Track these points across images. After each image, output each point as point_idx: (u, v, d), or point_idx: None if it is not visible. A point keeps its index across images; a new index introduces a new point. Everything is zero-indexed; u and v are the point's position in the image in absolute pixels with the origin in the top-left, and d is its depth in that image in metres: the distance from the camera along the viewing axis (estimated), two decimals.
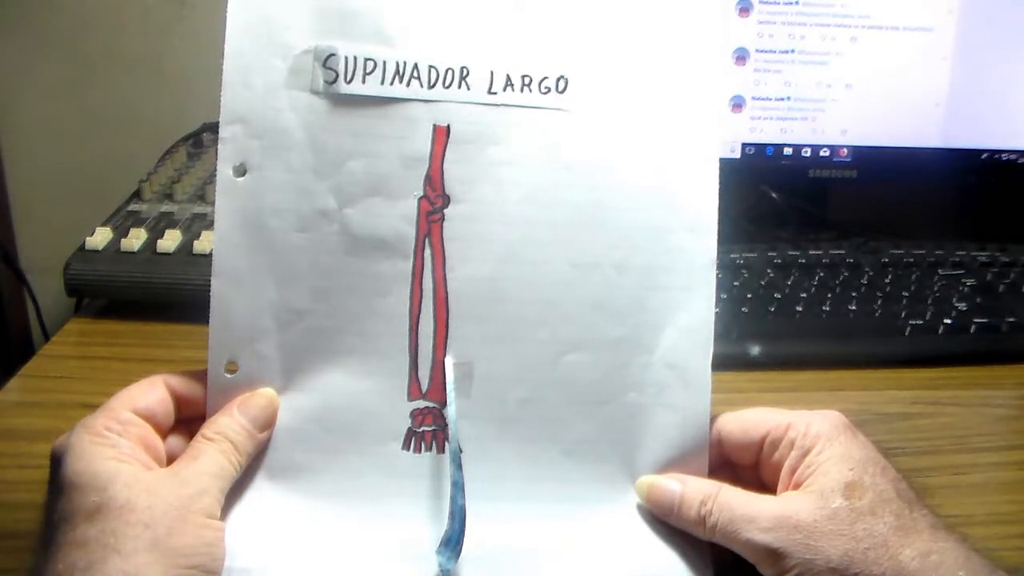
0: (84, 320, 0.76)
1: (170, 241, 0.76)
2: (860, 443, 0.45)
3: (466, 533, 0.44)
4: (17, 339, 1.07)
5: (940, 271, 0.81)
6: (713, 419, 0.48)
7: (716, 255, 0.49)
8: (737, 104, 0.89)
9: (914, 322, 0.74)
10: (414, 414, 0.48)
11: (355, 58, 0.47)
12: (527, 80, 0.48)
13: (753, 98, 0.89)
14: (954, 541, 0.42)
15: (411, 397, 0.48)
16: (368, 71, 0.47)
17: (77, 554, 0.38)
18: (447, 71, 0.48)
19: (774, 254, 0.82)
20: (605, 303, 0.48)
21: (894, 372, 0.71)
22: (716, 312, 0.49)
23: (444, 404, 0.47)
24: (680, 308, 0.48)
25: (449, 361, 0.48)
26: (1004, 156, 0.92)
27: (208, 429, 0.45)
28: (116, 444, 0.42)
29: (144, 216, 0.81)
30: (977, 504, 0.57)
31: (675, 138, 0.49)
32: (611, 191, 0.48)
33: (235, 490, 0.45)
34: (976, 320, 0.75)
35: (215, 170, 0.47)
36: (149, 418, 0.44)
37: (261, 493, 0.46)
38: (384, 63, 0.47)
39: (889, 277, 0.80)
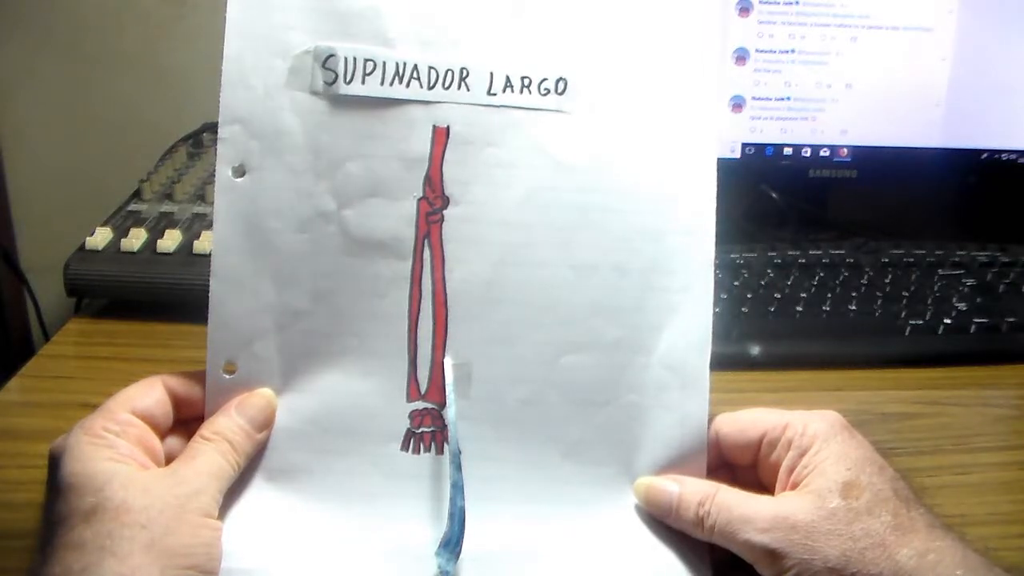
0: (84, 320, 0.76)
1: (170, 241, 0.76)
2: (857, 443, 0.45)
3: (465, 534, 0.44)
4: (17, 339, 1.07)
5: (940, 271, 0.81)
6: (711, 420, 0.48)
7: (714, 256, 0.49)
8: (737, 104, 0.89)
9: (914, 322, 0.74)
10: (413, 415, 0.48)
11: (355, 59, 0.47)
12: (526, 81, 0.48)
13: (753, 98, 0.89)
14: (951, 540, 0.42)
15: (410, 398, 0.48)
16: (368, 72, 0.47)
17: (73, 556, 0.38)
18: (447, 72, 0.48)
19: (774, 254, 0.82)
20: (604, 305, 0.48)
21: (894, 372, 0.71)
22: (716, 312, 0.49)
23: (443, 405, 0.47)
24: (679, 309, 0.48)
25: (448, 362, 0.48)
26: (1004, 156, 0.92)
27: (206, 429, 0.45)
28: (114, 445, 0.42)
29: (144, 216, 0.81)
30: (977, 504, 0.57)
31: (674, 140, 0.49)
32: (610, 193, 0.48)
33: (233, 491, 0.45)
34: (976, 320, 0.75)
35: (215, 170, 0.47)
36: (147, 419, 0.44)
37: (259, 494, 0.46)
38: (384, 64, 0.47)
39: (889, 277, 0.80)
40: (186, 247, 0.76)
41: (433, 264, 0.48)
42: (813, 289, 0.78)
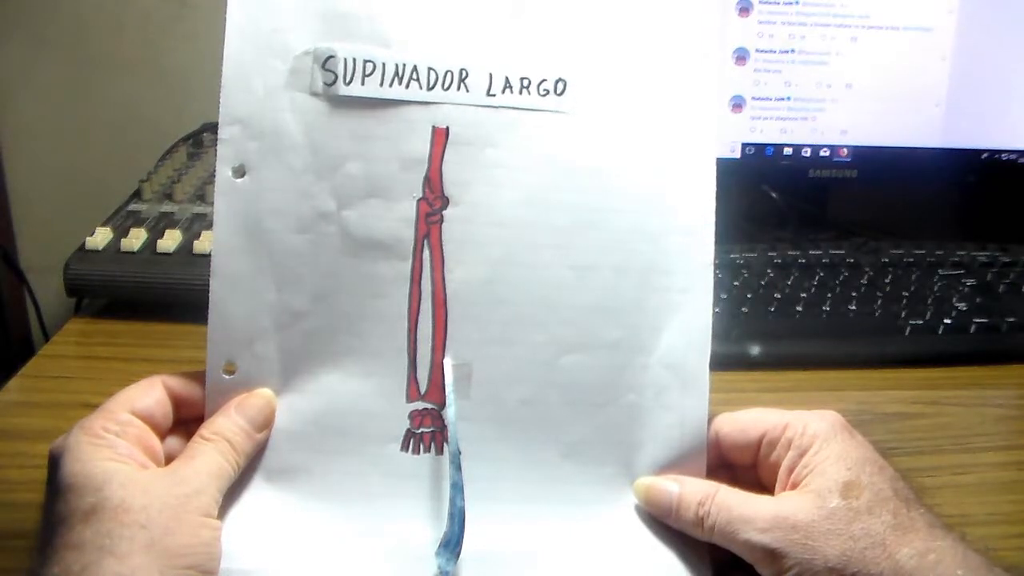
0: (84, 320, 0.76)
1: (170, 241, 0.76)
2: (857, 443, 0.45)
3: (465, 534, 0.44)
4: (17, 339, 1.07)
5: (940, 271, 0.81)
6: (711, 420, 0.48)
7: (714, 256, 0.49)
8: (737, 104, 0.89)
9: (914, 322, 0.74)
10: (413, 415, 0.48)
11: (354, 60, 0.47)
12: (526, 82, 0.48)
13: (753, 98, 0.89)
14: (952, 540, 0.42)
15: (410, 398, 0.48)
16: (367, 73, 0.47)
17: (72, 556, 0.38)
18: (446, 73, 0.48)
19: (774, 254, 0.82)
20: (603, 305, 0.48)
21: (894, 372, 0.71)
22: (716, 312, 0.49)
23: (443, 405, 0.47)
24: (678, 309, 0.48)
25: (448, 362, 0.48)
26: (1004, 156, 0.92)
27: (206, 429, 0.45)
28: (113, 445, 0.42)
29: (144, 216, 0.81)
30: (977, 504, 0.57)
31: (673, 140, 0.49)
32: (609, 193, 0.48)
33: (233, 492, 0.45)
34: (976, 320, 0.75)
35: (215, 170, 0.47)
36: (147, 419, 0.44)
37: (259, 495, 0.46)
38: (383, 65, 0.47)
39: (889, 277, 0.80)
40: (186, 247, 0.76)
41: (433, 264, 0.48)
42: (813, 289, 0.78)
